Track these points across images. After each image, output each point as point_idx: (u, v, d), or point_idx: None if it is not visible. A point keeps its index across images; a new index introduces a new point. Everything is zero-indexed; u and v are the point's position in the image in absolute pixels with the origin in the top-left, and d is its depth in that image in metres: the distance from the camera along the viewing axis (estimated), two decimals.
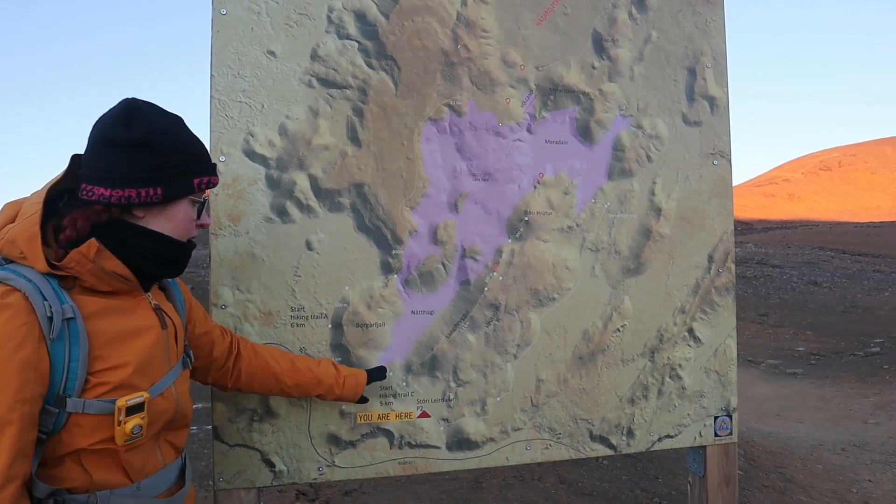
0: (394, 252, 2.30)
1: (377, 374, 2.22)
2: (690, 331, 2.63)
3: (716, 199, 2.66)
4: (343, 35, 2.25)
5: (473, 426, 2.39)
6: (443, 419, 2.36)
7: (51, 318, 1.37)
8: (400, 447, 2.32)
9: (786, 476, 5.32)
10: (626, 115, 2.55)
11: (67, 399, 1.38)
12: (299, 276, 2.20)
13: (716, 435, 2.66)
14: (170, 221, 1.54)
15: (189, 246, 1.61)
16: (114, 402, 1.42)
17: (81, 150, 1.54)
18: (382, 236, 2.28)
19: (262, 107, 2.17)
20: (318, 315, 2.22)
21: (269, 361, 2.01)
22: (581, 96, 2.49)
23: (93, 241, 1.42)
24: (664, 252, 2.59)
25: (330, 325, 2.23)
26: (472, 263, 2.38)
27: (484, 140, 2.39)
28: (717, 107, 2.66)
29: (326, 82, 2.23)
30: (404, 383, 2.32)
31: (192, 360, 1.79)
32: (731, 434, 2.68)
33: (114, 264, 1.46)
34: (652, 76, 2.58)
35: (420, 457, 2.34)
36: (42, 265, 1.40)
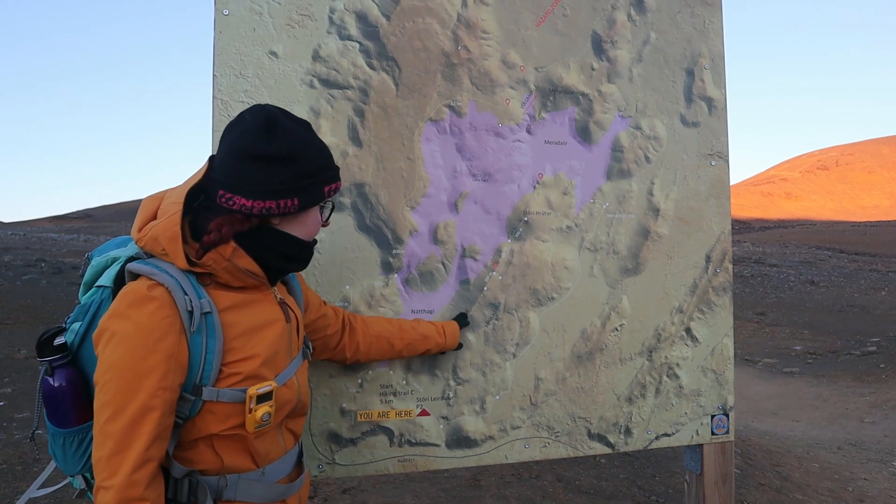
0: (394, 251, 2.31)
1: (462, 319, 2.36)
2: (688, 330, 2.65)
3: (713, 200, 2.68)
4: (344, 36, 2.27)
5: (473, 424, 2.40)
6: (442, 417, 2.37)
7: (191, 313, 1.47)
8: (400, 445, 2.33)
9: (782, 474, 5.34)
10: (625, 115, 2.56)
11: (203, 388, 1.48)
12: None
13: (713, 433, 2.68)
14: (302, 226, 1.63)
15: (313, 244, 1.70)
16: (245, 391, 1.51)
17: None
18: (383, 236, 2.30)
19: None
20: None
21: (380, 329, 2.15)
22: (580, 97, 2.51)
23: (232, 242, 1.53)
24: (662, 252, 2.61)
25: None
26: (472, 263, 2.40)
27: (484, 140, 2.40)
28: (715, 108, 2.68)
29: (328, 83, 2.25)
30: (404, 381, 2.33)
31: (312, 351, 1.89)
32: (727, 432, 2.70)
33: (246, 262, 1.55)
34: (650, 77, 2.59)
35: (419, 454, 2.36)
36: (182, 262, 1.49)
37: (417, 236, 2.34)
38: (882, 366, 10.71)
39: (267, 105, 1.59)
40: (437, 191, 2.36)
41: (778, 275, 25.26)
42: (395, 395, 2.33)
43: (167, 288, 1.45)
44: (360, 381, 2.28)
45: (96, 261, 1.68)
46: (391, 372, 2.31)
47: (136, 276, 1.50)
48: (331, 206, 1.74)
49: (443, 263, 2.37)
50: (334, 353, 2.07)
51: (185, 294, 1.47)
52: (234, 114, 2.14)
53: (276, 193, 1.52)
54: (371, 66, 2.29)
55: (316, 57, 2.24)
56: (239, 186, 1.51)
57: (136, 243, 1.57)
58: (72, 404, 1.54)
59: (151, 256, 1.54)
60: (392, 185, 2.31)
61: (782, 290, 22.13)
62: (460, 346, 2.35)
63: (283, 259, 1.62)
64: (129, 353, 1.40)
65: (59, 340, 1.57)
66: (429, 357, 2.35)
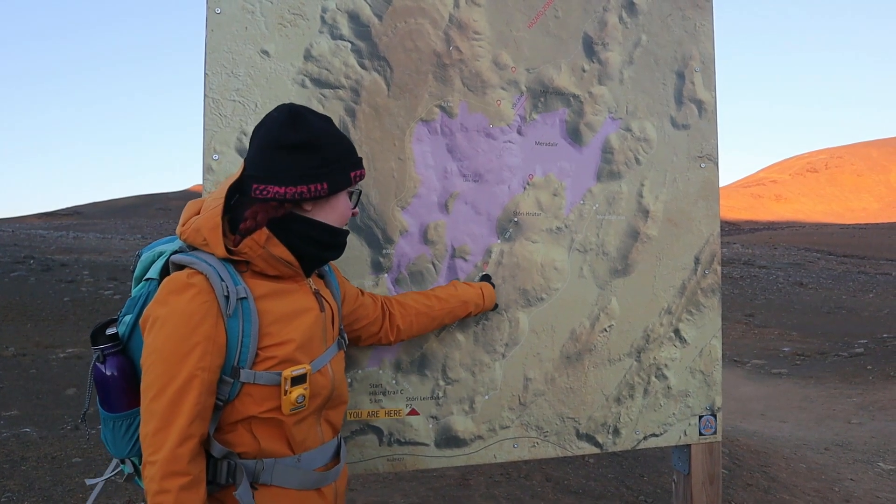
0: (384, 251, 2.32)
1: (489, 279, 2.42)
2: (676, 331, 2.66)
3: (703, 202, 2.70)
4: (336, 35, 2.27)
5: (462, 424, 2.41)
6: (431, 417, 2.38)
7: (227, 297, 1.55)
8: (389, 444, 2.34)
9: (769, 475, 5.38)
10: (616, 117, 2.57)
11: (241, 370, 1.56)
12: None
13: (700, 434, 2.70)
14: (333, 211, 1.72)
15: (345, 232, 1.79)
16: (280, 373, 1.58)
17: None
18: (373, 236, 2.30)
19: (256, 106, 2.18)
20: None
21: (417, 307, 2.18)
22: (571, 99, 2.52)
23: (264, 229, 1.61)
24: (651, 253, 2.62)
25: None
26: (462, 263, 2.40)
27: (475, 141, 2.41)
28: (705, 110, 2.70)
29: (319, 82, 2.25)
30: (394, 381, 2.34)
31: (347, 342, 1.94)
32: (715, 433, 2.72)
33: (280, 251, 1.63)
34: (641, 79, 2.61)
35: (409, 454, 2.36)
36: (221, 251, 1.59)
37: (408, 236, 2.34)
38: (869, 367, 10.79)
39: (292, 103, 1.74)
40: (428, 191, 2.36)
41: (767, 276, 25.39)
42: (384, 394, 2.33)
43: (205, 275, 1.54)
44: (349, 380, 2.28)
45: (144, 256, 1.79)
46: (381, 371, 2.32)
47: (179, 266, 1.60)
48: (358, 193, 1.81)
49: (433, 264, 2.37)
50: (377, 338, 2.13)
51: (222, 280, 1.55)
52: (226, 112, 2.15)
53: (306, 178, 1.63)
54: (363, 66, 2.29)
55: (308, 56, 2.24)
56: (271, 176, 1.62)
57: (179, 237, 1.68)
58: (122, 390, 1.64)
59: (194, 249, 1.63)
60: (383, 185, 2.31)
61: (771, 291, 22.25)
62: (496, 306, 2.40)
63: (316, 246, 1.69)
64: (171, 336, 1.50)
65: (111, 330, 1.67)
66: (419, 357, 2.35)
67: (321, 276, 1.90)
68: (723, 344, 2.77)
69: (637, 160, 2.60)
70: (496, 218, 2.44)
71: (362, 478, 4.44)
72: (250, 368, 1.57)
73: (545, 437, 2.51)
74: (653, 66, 2.62)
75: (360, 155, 1.81)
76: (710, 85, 2.71)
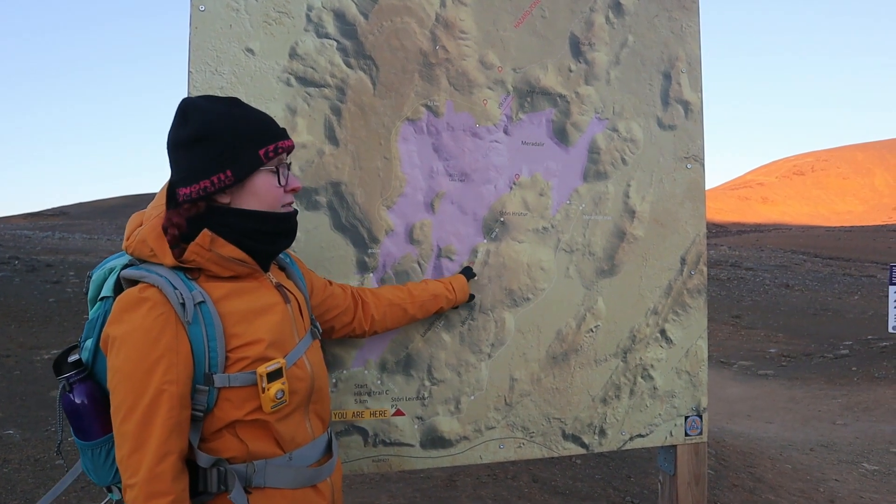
0: (370, 251, 2.31)
1: (468, 272, 2.38)
2: (662, 332, 2.66)
3: (689, 203, 2.70)
4: (322, 34, 2.26)
5: (447, 424, 2.40)
6: (417, 417, 2.37)
7: (183, 304, 1.50)
8: (374, 445, 2.33)
9: (755, 475, 5.40)
10: (602, 118, 2.57)
11: (214, 376, 1.51)
12: None
13: (686, 434, 2.70)
14: (255, 196, 1.62)
15: (287, 215, 1.69)
16: (255, 372, 1.54)
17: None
18: (359, 235, 2.29)
19: None
20: None
21: (391, 298, 2.16)
22: (558, 99, 2.52)
23: (205, 231, 1.54)
24: (637, 254, 2.62)
25: None
26: (448, 263, 2.40)
27: (461, 141, 2.40)
28: (692, 111, 2.70)
29: (304, 81, 2.24)
30: (379, 381, 2.33)
31: (321, 331, 1.89)
32: (701, 434, 2.72)
33: (230, 250, 1.57)
34: (628, 80, 2.61)
35: (394, 455, 2.35)
36: (170, 259, 1.54)
37: (393, 236, 2.33)
38: (854, 369, 10.87)
39: (186, 96, 1.65)
40: (414, 190, 2.35)
41: (754, 278, 25.52)
42: (369, 394, 2.32)
43: (158, 287, 1.49)
44: (334, 380, 2.27)
45: (96, 275, 1.72)
46: (366, 371, 2.31)
47: (130, 281, 1.55)
48: (287, 166, 1.70)
49: (419, 263, 2.37)
50: (351, 328, 2.08)
51: (176, 289, 1.50)
52: None
53: (206, 171, 1.55)
54: (348, 65, 2.28)
55: (293, 55, 2.23)
56: (179, 179, 1.57)
57: (126, 251, 1.62)
58: (94, 417, 1.59)
59: (144, 262, 1.58)
60: (368, 184, 2.30)
61: (758, 293, 22.36)
62: (472, 297, 2.37)
63: (263, 237, 1.62)
64: (132, 354, 1.46)
65: (72, 357, 1.62)
66: (404, 357, 2.34)
67: (282, 269, 1.85)
68: (710, 345, 2.78)
69: (623, 160, 2.60)
70: (482, 218, 2.43)
71: (348, 479, 4.42)
72: (223, 372, 1.52)
73: (531, 437, 2.51)
74: (639, 67, 2.62)
75: (281, 127, 1.70)
76: (697, 86, 2.71)
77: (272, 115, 2.15)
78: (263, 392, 1.54)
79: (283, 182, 1.66)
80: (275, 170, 1.65)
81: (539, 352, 2.51)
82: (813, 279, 26.75)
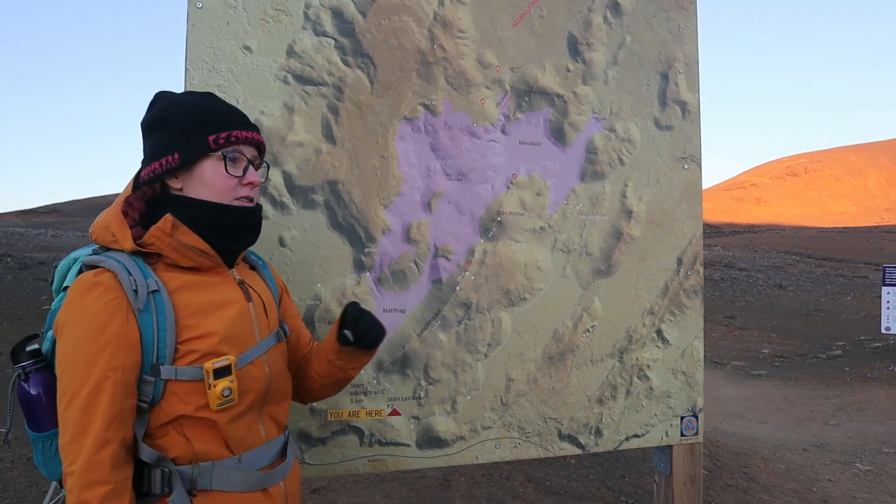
0: (367, 250, 2.30)
1: (343, 337, 1.77)
2: (659, 332, 2.66)
3: (686, 203, 2.70)
4: (320, 32, 2.25)
5: (443, 424, 2.40)
6: (413, 417, 2.36)
7: (136, 291, 1.46)
8: (370, 445, 2.32)
9: (749, 475, 5.41)
10: (600, 118, 2.57)
11: (161, 367, 1.47)
12: None
13: (682, 435, 2.70)
14: (203, 184, 1.58)
15: (239, 209, 1.62)
16: (202, 367, 1.49)
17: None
18: (355, 234, 2.29)
19: (237, 102, 2.15)
20: None
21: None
22: (555, 98, 2.52)
23: (168, 215, 1.52)
24: (634, 254, 2.62)
25: None
26: (445, 262, 2.39)
27: (458, 140, 2.40)
28: (689, 112, 2.70)
29: (302, 79, 2.23)
30: (375, 381, 2.32)
31: (287, 334, 1.79)
32: (696, 434, 2.72)
33: (192, 239, 1.54)
34: (625, 80, 2.61)
35: (390, 454, 2.35)
36: (129, 244, 1.51)
37: (390, 235, 2.32)
38: (847, 369, 10.91)
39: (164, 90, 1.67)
40: (411, 190, 2.35)
41: (747, 279, 25.59)
42: (365, 394, 2.31)
43: (113, 272, 1.47)
44: None
45: (60, 266, 1.68)
46: (362, 371, 2.30)
47: (91, 268, 1.52)
48: (249, 163, 1.64)
49: (415, 263, 2.36)
50: (295, 367, 1.88)
51: (131, 275, 1.47)
52: None
53: (157, 154, 1.56)
54: (346, 63, 2.28)
55: (290, 53, 2.22)
56: (141, 163, 1.59)
57: (91, 237, 1.60)
58: (46, 408, 1.54)
59: (108, 250, 1.56)
60: (365, 183, 2.29)
61: (751, 293, 22.43)
62: (370, 347, 1.80)
63: (225, 231, 1.59)
64: (80, 339, 1.43)
65: (31, 346, 1.57)
66: (400, 357, 2.34)
67: (253, 268, 1.81)
68: (704, 345, 2.78)
69: (621, 161, 2.60)
70: (479, 217, 2.43)
71: (343, 478, 4.41)
72: (171, 364, 1.48)
73: (527, 437, 2.50)
74: (637, 67, 2.62)
75: (253, 123, 1.66)
76: (694, 86, 2.71)
77: (269, 113, 2.15)
78: (210, 388, 1.48)
79: (231, 171, 1.60)
80: (225, 158, 1.60)
81: (535, 352, 2.50)
82: (806, 280, 26.85)
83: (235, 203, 1.62)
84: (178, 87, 2.17)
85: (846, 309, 19.89)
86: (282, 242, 2.21)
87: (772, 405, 9.19)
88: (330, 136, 2.26)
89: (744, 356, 12.89)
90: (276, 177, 2.20)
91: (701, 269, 2.72)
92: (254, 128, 1.68)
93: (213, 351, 1.51)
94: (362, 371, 2.29)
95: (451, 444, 2.41)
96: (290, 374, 1.82)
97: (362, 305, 1.83)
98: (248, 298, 1.65)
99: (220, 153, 1.59)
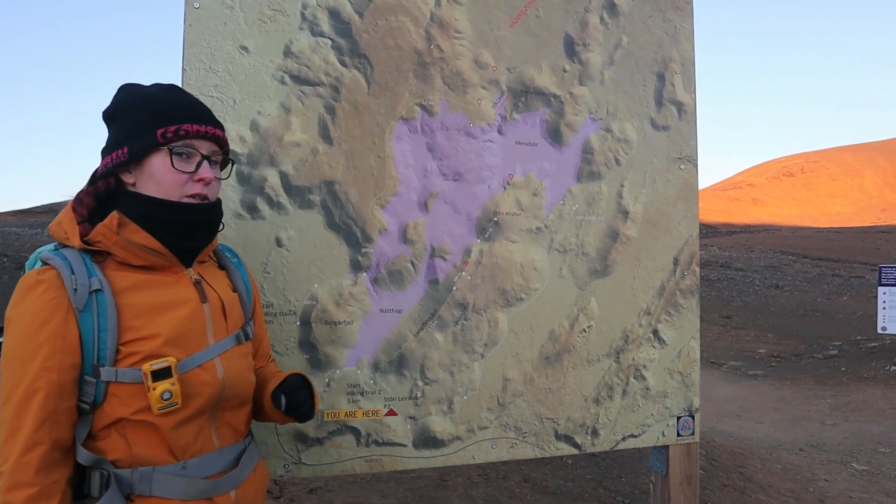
0: (363, 250, 2.30)
1: (276, 397, 1.72)
2: (655, 332, 2.67)
3: (682, 203, 2.71)
4: (316, 32, 2.25)
5: (440, 424, 2.40)
6: (410, 417, 2.36)
7: (77, 290, 1.43)
8: (367, 445, 2.32)
9: (745, 475, 5.42)
10: (596, 118, 2.58)
11: (101, 369, 1.43)
12: (268, 273, 2.20)
13: (678, 435, 2.71)
14: (152, 180, 1.53)
15: (191, 206, 1.56)
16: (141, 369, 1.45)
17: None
18: (352, 234, 2.29)
19: (234, 102, 2.15)
20: (286, 312, 2.21)
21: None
22: (552, 99, 2.52)
23: (114, 213, 1.48)
24: (630, 254, 2.63)
25: (298, 323, 2.23)
26: (441, 263, 2.39)
27: (455, 140, 2.40)
28: (685, 112, 2.71)
29: (299, 79, 2.23)
30: (372, 381, 2.32)
31: (250, 336, 1.74)
32: (693, 434, 2.73)
33: (141, 237, 1.50)
34: (622, 80, 2.61)
35: (387, 455, 2.35)
36: (77, 241, 1.48)
37: (387, 235, 2.32)
38: (843, 369, 10.93)
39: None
40: (408, 190, 2.35)
41: (743, 279, 25.63)
42: (362, 394, 2.31)
43: (57, 269, 1.44)
44: (327, 380, 2.26)
45: (28, 262, 1.64)
46: (359, 371, 2.30)
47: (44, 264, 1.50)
48: (200, 156, 1.58)
49: (412, 263, 2.36)
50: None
51: (73, 273, 1.44)
52: None
53: (109, 148, 1.54)
54: (343, 64, 2.28)
55: (287, 53, 2.22)
56: (101, 156, 1.57)
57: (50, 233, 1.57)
58: None
59: (64, 247, 1.52)
60: (362, 183, 2.29)
61: (748, 293, 22.46)
62: (303, 416, 1.75)
63: (178, 230, 1.54)
64: (19, 337, 1.41)
65: None
66: (397, 357, 2.34)
67: (223, 268, 1.75)
68: (700, 345, 2.78)
69: (617, 161, 2.60)
70: (476, 217, 2.43)
71: (340, 479, 4.41)
72: (112, 366, 1.43)
73: (524, 437, 2.51)
74: (633, 68, 2.63)
75: (214, 118, 1.62)
76: (690, 87, 2.72)
77: (266, 113, 2.15)
78: (150, 391, 1.43)
79: (180, 167, 1.54)
80: (178, 153, 1.54)
81: (532, 352, 2.51)
82: (802, 280, 26.89)
83: (185, 200, 1.55)
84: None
85: (842, 309, 19.94)
86: (279, 242, 2.21)
87: (768, 405, 9.21)
88: (327, 137, 2.26)
89: (740, 356, 12.92)
90: (272, 177, 2.20)
91: (697, 269, 2.73)
92: (210, 122, 1.61)
93: (156, 353, 1.46)
94: (359, 371, 2.29)
95: (447, 445, 2.41)
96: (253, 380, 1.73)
97: (310, 378, 1.80)
98: (204, 299, 1.59)
99: (168, 146, 1.53)
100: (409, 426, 2.36)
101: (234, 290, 1.74)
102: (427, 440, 2.38)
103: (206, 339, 1.57)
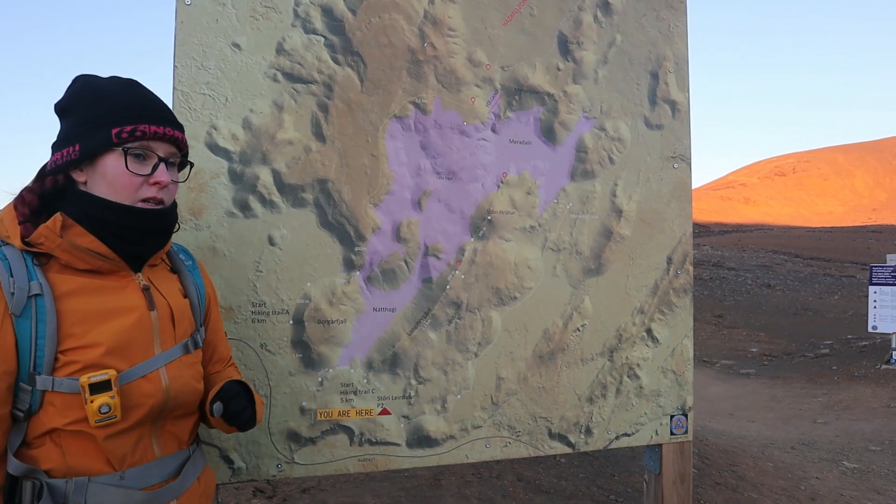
0: (356, 249, 2.29)
1: (215, 405, 1.62)
2: (649, 331, 2.67)
3: (675, 202, 2.71)
4: (309, 29, 2.24)
5: (434, 424, 2.39)
6: (403, 416, 2.36)
7: (15, 294, 1.36)
8: (360, 444, 2.31)
9: (738, 474, 5.43)
10: (590, 116, 2.57)
11: (37, 377, 1.37)
12: (261, 272, 2.18)
13: (672, 433, 2.71)
14: (105, 181, 1.46)
15: (144, 212, 1.49)
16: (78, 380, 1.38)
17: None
18: (345, 233, 2.28)
19: (226, 100, 2.14)
20: (279, 311, 2.20)
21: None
22: (545, 97, 2.51)
23: (57, 215, 1.41)
24: (624, 253, 2.63)
25: (291, 321, 2.21)
26: (435, 261, 2.38)
27: (448, 138, 2.39)
28: (679, 111, 2.71)
29: (292, 77, 2.22)
30: (365, 380, 2.31)
31: (200, 344, 1.68)
32: (686, 432, 2.73)
33: (86, 240, 1.43)
34: (615, 79, 2.61)
35: (380, 454, 2.34)
36: (18, 242, 1.40)
37: (380, 234, 2.32)
38: (834, 368, 10.98)
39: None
40: (401, 188, 2.34)
41: (736, 278, 25.71)
42: (355, 393, 2.30)
43: None
44: (320, 379, 2.25)
45: None
46: (352, 370, 2.29)
47: None
48: (157, 158, 1.51)
49: (405, 261, 2.35)
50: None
51: (12, 276, 1.37)
52: (195, 106, 2.11)
53: (59, 144, 1.46)
54: (336, 61, 2.27)
55: (280, 50, 2.21)
56: (51, 151, 1.50)
57: None
58: None
59: (5, 245, 1.44)
60: (355, 181, 2.28)
61: (740, 293, 22.53)
62: (244, 425, 1.69)
63: (126, 233, 1.47)
64: None
65: None
66: (390, 356, 2.33)
67: (176, 272, 1.68)
68: (693, 344, 2.78)
69: (611, 159, 2.60)
70: (469, 216, 2.42)
71: (333, 478, 4.40)
72: (49, 374, 1.37)
73: (517, 436, 2.50)
74: (627, 66, 2.63)
75: (174, 119, 1.55)
76: (684, 86, 2.72)
77: (258, 111, 2.14)
78: (87, 404, 1.36)
79: (134, 169, 1.47)
80: (134, 155, 1.47)
81: (526, 351, 2.50)
82: (794, 279, 26.99)
83: (139, 204, 1.49)
84: (168, 86, 2.15)
85: (834, 308, 20.02)
86: (271, 241, 2.19)
87: (760, 403, 9.23)
88: (319, 135, 2.25)
89: (732, 355, 12.96)
90: (265, 175, 2.18)
91: (690, 268, 2.73)
92: (169, 122, 1.54)
93: (96, 363, 1.39)
94: (352, 370, 2.28)
95: (441, 444, 2.41)
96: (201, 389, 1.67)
97: (250, 385, 1.73)
98: (152, 306, 1.53)
99: (122, 146, 1.46)
100: (402, 425, 2.35)
101: (186, 296, 1.67)
102: (421, 439, 2.38)
103: (151, 348, 1.51)
